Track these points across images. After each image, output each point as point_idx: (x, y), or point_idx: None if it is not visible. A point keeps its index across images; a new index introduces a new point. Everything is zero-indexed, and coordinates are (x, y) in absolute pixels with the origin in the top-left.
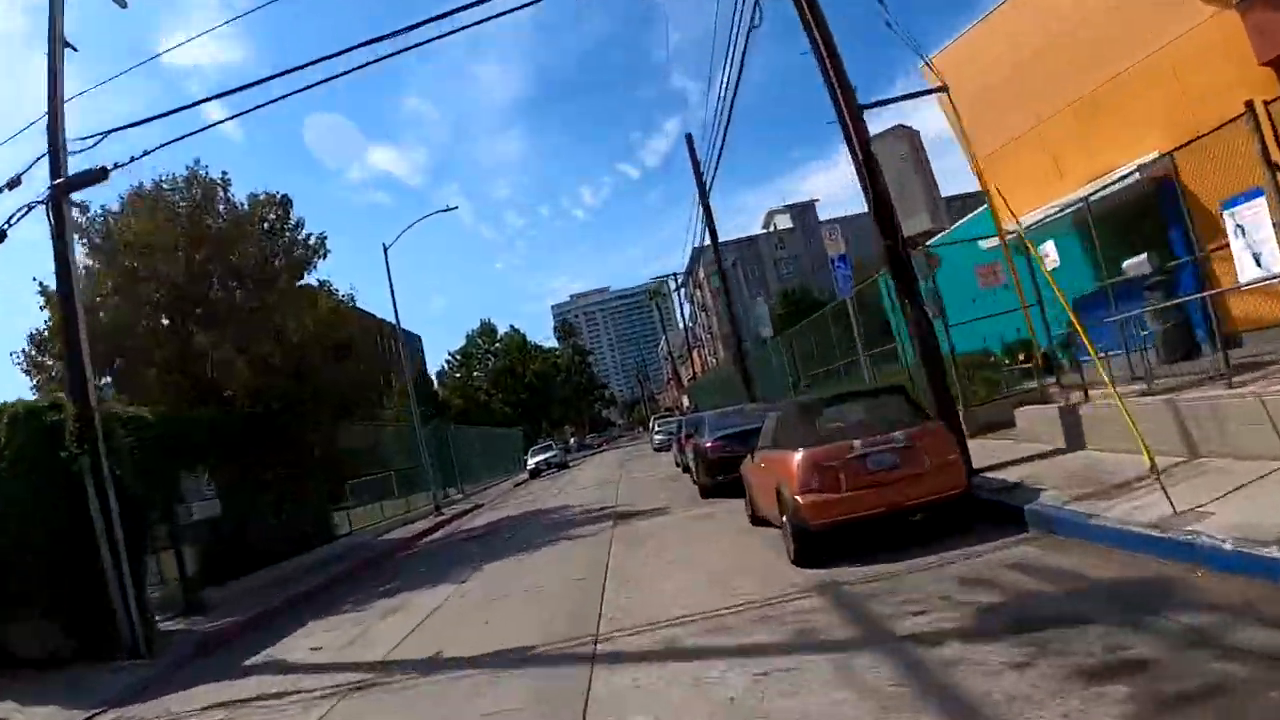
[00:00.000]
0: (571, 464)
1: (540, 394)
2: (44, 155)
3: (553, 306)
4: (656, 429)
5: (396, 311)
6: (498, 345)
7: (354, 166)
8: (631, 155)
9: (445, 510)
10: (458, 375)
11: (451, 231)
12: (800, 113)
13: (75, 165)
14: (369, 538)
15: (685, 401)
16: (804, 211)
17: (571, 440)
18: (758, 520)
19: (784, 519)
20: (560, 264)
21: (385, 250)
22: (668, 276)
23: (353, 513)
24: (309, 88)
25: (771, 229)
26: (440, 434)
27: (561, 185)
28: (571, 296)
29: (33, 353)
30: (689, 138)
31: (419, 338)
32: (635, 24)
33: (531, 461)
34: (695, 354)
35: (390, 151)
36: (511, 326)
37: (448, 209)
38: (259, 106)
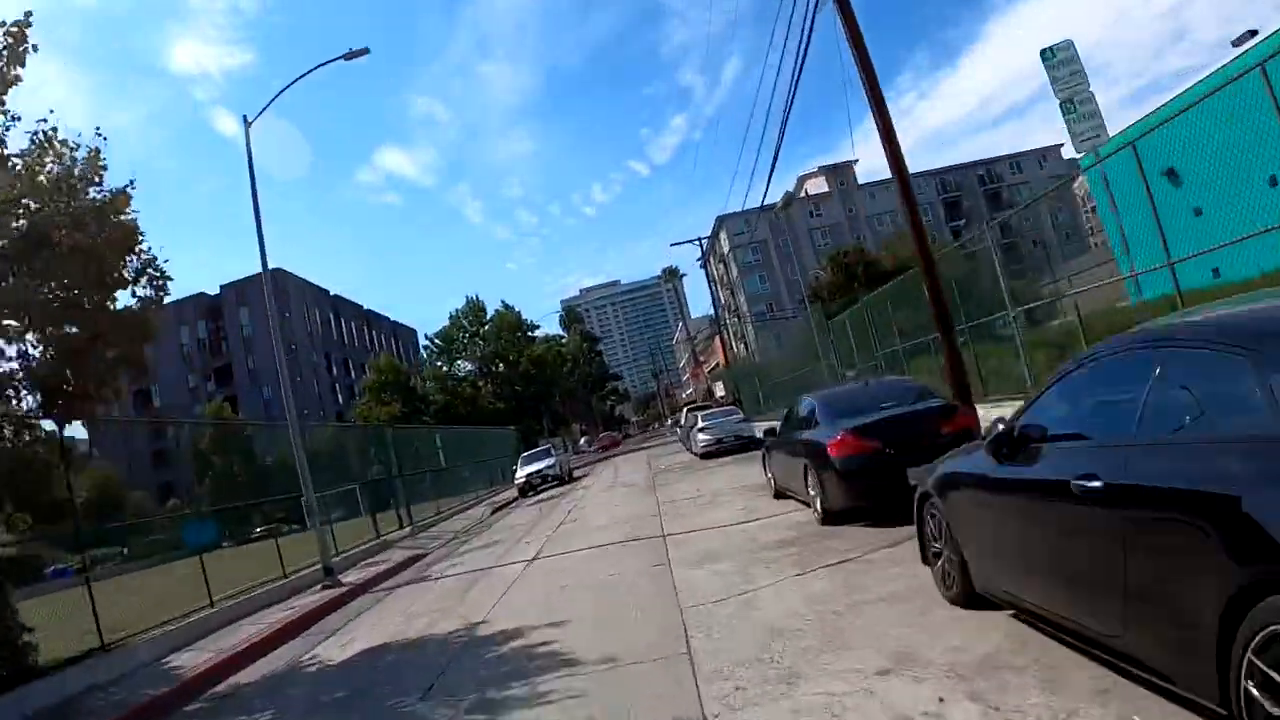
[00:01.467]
0: (577, 474)
1: (539, 384)
2: None
3: (561, 301)
4: (702, 425)
5: (261, 234)
6: (487, 327)
7: (364, 169)
8: (641, 151)
9: (346, 575)
10: (438, 364)
11: (462, 232)
12: (803, 112)
13: None
14: (144, 658)
15: (719, 389)
16: (841, 173)
17: (582, 440)
18: None
19: None
20: (572, 262)
21: (246, 125)
22: (693, 241)
23: (145, 586)
24: None
25: (803, 195)
26: (374, 439)
27: (573, 183)
28: (581, 290)
29: None
30: None
31: (413, 330)
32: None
33: (521, 474)
34: (717, 340)
35: (401, 153)
36: (503, 303)
37: (352, 54)
38: None
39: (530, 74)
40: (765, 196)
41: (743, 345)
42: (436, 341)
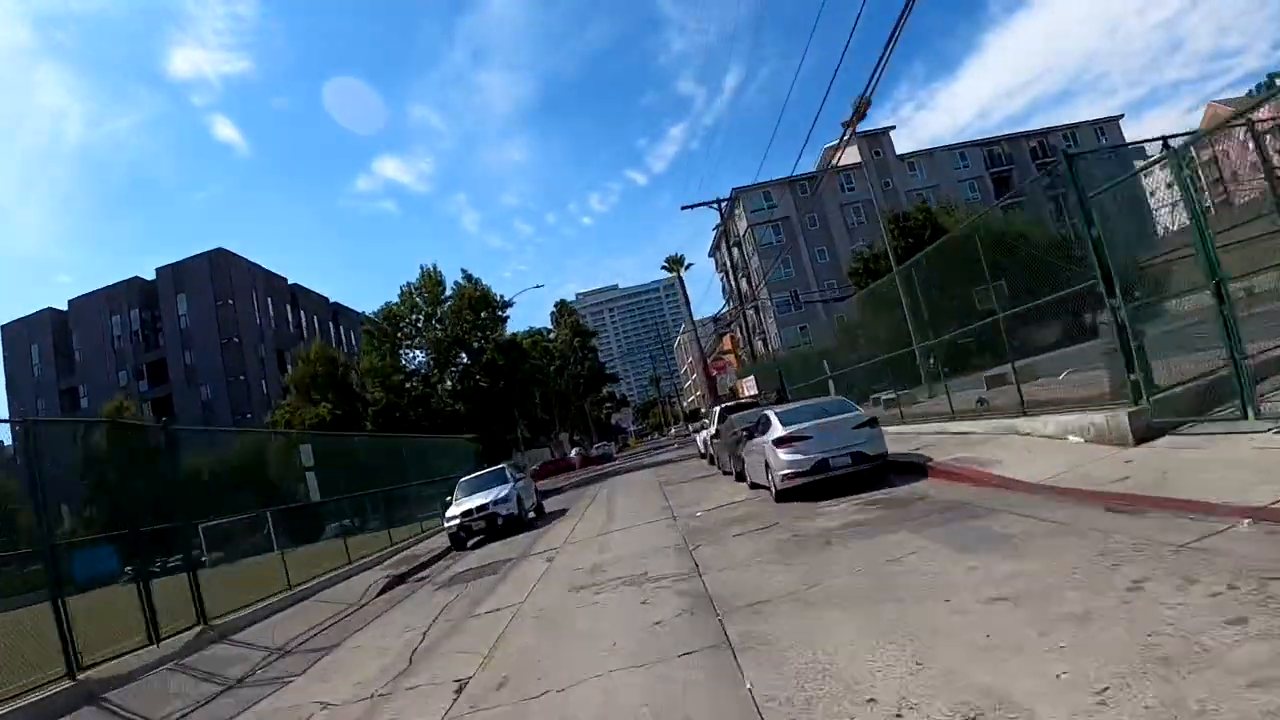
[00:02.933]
0: (551, 506)
1: (511, 379)
2: None
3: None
4: (786, 433)
5: None
6: (447, 304)
7: (361, 176)
8: (639, 161)
9: None
10: (381, 350)
11: (459, 241)
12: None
13: None
14: None
15: (751, 388)
16: (875, 141)
17: (573, 452)
18: None
19: None
20: (569, 271)
21: None
22: (709, 204)
23: None
24: None
25: (832, 164)
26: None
27: (569, 192)
28: (577, 295)
29: None
30: None
31: None
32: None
33: (454, 512)
34: (728, 340)
35: (398, 161)
36: (464, 273)
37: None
38: None
39: (527, 84)
40: (839, 153)
41: (760, 341)
42: (380, 323)
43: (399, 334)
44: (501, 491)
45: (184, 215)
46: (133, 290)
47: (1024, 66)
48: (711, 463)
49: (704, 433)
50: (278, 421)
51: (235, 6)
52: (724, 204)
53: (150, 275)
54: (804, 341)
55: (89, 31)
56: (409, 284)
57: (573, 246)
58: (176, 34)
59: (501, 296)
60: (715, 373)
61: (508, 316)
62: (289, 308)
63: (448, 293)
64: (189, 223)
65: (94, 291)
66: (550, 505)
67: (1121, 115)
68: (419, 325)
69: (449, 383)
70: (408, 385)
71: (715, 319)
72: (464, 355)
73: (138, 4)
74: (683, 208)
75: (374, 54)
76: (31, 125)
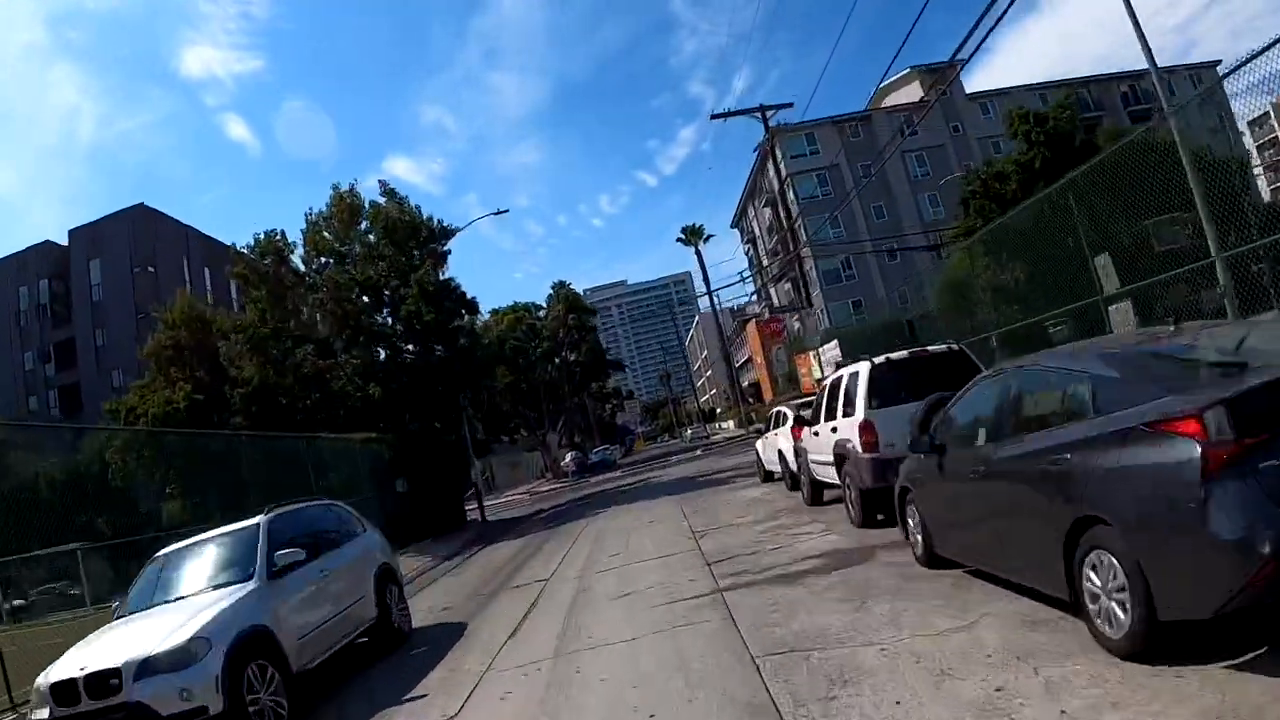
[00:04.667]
0: (415, 628)
1: (449, 341)
2: None
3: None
4: None
5: None
6: (368, 236)
7: (372, 176)
8: (649, 163)
9: None
10: (258, 304)
11: (469, 242)
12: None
13: None
14: None
15: (829, 353)
16: (941, 78)
17: (568, 458)
18: None
19: None
20: (578, 271)
21: None
22: (747, 112)
23: None
24: None
25: (890, 108)
26: None
27: (580, 194)
28: (586, 291)
29: None
30: None
31: None
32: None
33: (45, 683)
34: (751, 326)
35: (409, 162)
36: (382, 185)
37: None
38: None
39: (538, 85)
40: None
41: (796, 322)
42: (253, 261)
43: (287, 282)
44: (192, 624)
45: (191, 213)
46: (43, 256)
47: (1035, 71)
48: (817, 500)
49: (784, 438)
50: (118, 411)
51: (248, 6)
52: (768, 111)
53: (65, 240)
54: (858, 317)
55: (103, 30)
56: (315, 211)
57: (584, 248)
58: (189, 32)
59: (440, 223)
60: (772, 333)
61: (448, 252)
62: (233, 281)
63: (366, 225)
64: (196, 220)
65: (2, 259)
66: (453, 593)
67: (1219, 61)
68: (324, 271)
69: (354, 354)
70: (298, 355)
71: (738, 310)
72: (384, 311)
73: (151, 2)
74: (712, 116)
75: (386, 54)
76: (43, 124)
